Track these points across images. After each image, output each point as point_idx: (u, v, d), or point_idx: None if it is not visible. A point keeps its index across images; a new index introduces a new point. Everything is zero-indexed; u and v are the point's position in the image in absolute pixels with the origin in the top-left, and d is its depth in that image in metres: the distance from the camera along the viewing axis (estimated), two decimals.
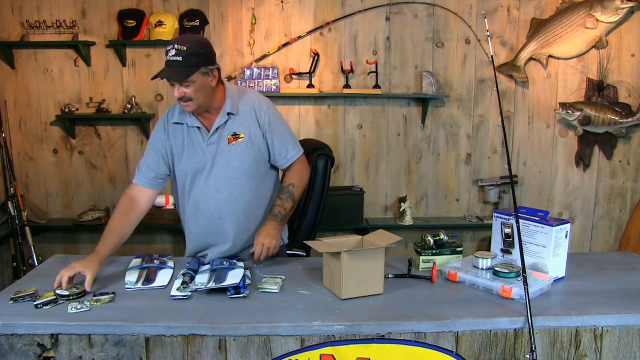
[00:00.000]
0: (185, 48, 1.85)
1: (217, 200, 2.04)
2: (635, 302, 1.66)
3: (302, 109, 3.74)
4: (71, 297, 1.66)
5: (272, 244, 1.98)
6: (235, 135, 2.03)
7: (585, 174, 3.81)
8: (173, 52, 1.85)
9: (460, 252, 1.99)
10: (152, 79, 1.96)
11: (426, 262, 1.95)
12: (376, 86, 3.65)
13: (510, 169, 1.84)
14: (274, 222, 2.04)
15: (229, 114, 2.02)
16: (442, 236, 1.97)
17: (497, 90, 1.96)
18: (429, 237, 1.97)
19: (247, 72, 3.55)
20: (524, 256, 1.67)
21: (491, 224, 1.96)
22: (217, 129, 2.02)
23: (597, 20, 3.50)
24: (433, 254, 1.95)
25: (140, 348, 1.51)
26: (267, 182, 2.15)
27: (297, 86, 3.70)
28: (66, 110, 3.60)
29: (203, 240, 2.11)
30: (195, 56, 1.86)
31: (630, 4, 3.45)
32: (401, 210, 3.70)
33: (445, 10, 3.62)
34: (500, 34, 3.68)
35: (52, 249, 3.72)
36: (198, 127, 2.03)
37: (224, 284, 1.71)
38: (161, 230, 3.80)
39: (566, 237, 1.84)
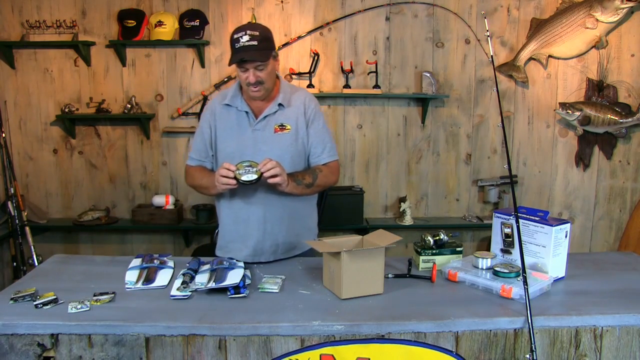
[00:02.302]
0: (257, 33, 1.94)
1: (254, 186, 2.02)
2: (635, 302, 1.66)
3: None
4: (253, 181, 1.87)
5: (278, 170, 1.90)
6: (282, 127, 2.08)
7: (585, 174, 3.81)
8: (247, 37, 1.93)
9: (460, 252, 1.99)
10: (230, 64, 1.99)
11: (426, 262, 1.95)
12: (376, 86, 3.65)
13: (510, 169, 1.84)
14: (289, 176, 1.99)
15: (279, 105, 2.09)
16: (442, 236, 1.97)
17: (497, 90, 1.96)
18: (429, 237, 1.97)
19: None
20: (524, 256, 1.67)
21: (491, 224, 1.96)
22: (265, 116, 2.08)
23: (597, 20, 3.50)
24: (433, 254, 1.96)
25: (140, 348, 1.51)
26: None
27: (297, 86, 3.69)
28: (66, 110, 3.60)
29: (235, 227, 2.12)
30: (267, 41, 1.98)
31: (630, 4, 3.44)
32: (401, 210, 3.70)
33: (445, 10, 3.62)
34: (500, 34, 3.68)
35: (52, 249, 3.72)
36: (246, 112, 2.09)
37: (224, 284, 1.71)
38: (161, 230, 3.80)
39: (566, 237, 1.84)
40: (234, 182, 1.89)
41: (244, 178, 1.88)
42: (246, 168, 1.89)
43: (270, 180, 1.91)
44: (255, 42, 1.93)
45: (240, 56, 1.93)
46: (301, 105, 2.12)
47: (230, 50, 2.02)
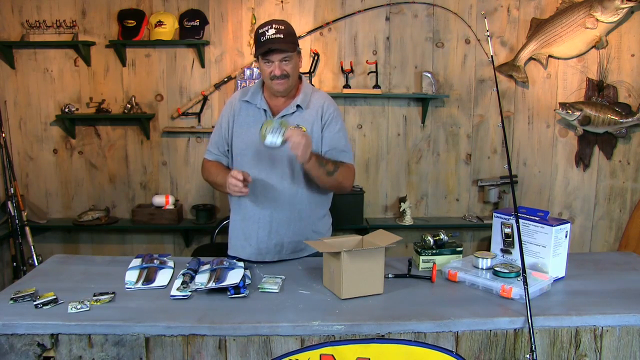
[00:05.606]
0: (283, 27, 1.96)
1: (264, 185, 2.04)
2: (635, 302, 1.66)
3: None
4: None
5: (303, 143, 1.83)
6: (298, 128, 2.04)
7: (585, 174, 3.81)
8: (273, 30, 1.94)
9: (460, 252, 1.99)
10: (255, 55, 1.99)
11: (426, 262, 1.95)
12: (376, 86, 3.65)
13: (510, 169, 1.83)
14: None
15: (298, 106, 2.07)
16: (442, 236, 1.97)
17: (497, 90, 1.95)
18: (429, 237, 1.97)
19: (247, 72, 3.55)
20: (524, 256, 1.67)
21: (491, 224, 1.96)
22: (282, 116, 2.06)
23: (597, 20, 3.50)
24: (433, 254, 1.95)
25: (140, 348, 1.51)
26: (314, 184, 2.09)
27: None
28: (66, 110, 3.60)
29: (242, 225, 2.12)
30: (292, 35, 2.00)
31: (630, 4, 3.44)
32: (401, 210, 3.70)
33: (445, 10, 3.62)
34: (500, 34, 3.68)
35: (52, 249, 3.72)
36: (265, 110, 2.08)
37: (224, 284, 1.71)
38: (161, 230, 3.80)
39: (566, 237, 1.84)
40: (246, 190, 1.90)
41: (269, 139, 1.81)
42: (275, 127, 1.82)
43: (292, 149, 1.83)
44: (281, 35, 1.93)
45: (267, 46, 1.93)
46: (319, 108, 2.09)
47: (255, 45, 2.02)
